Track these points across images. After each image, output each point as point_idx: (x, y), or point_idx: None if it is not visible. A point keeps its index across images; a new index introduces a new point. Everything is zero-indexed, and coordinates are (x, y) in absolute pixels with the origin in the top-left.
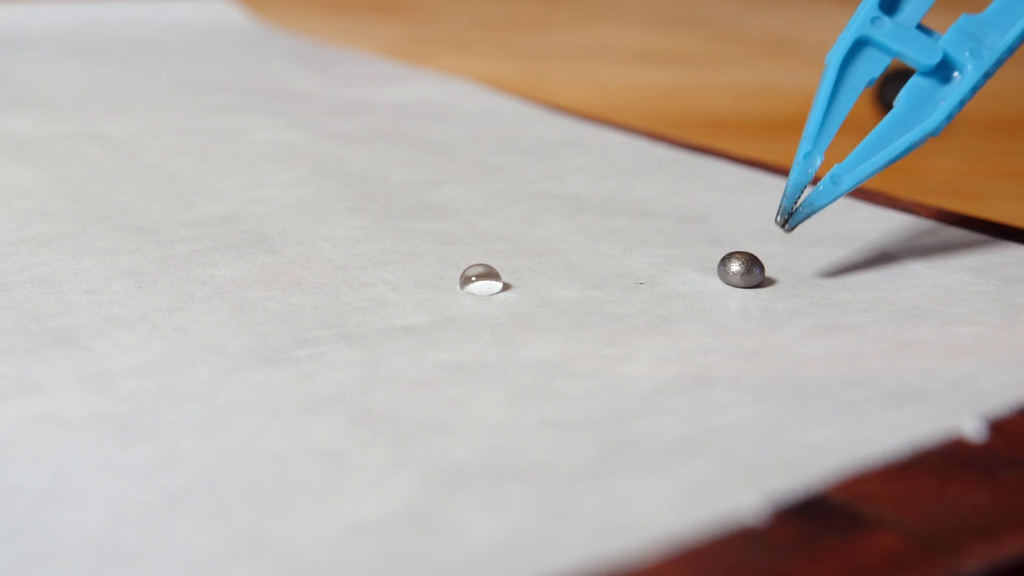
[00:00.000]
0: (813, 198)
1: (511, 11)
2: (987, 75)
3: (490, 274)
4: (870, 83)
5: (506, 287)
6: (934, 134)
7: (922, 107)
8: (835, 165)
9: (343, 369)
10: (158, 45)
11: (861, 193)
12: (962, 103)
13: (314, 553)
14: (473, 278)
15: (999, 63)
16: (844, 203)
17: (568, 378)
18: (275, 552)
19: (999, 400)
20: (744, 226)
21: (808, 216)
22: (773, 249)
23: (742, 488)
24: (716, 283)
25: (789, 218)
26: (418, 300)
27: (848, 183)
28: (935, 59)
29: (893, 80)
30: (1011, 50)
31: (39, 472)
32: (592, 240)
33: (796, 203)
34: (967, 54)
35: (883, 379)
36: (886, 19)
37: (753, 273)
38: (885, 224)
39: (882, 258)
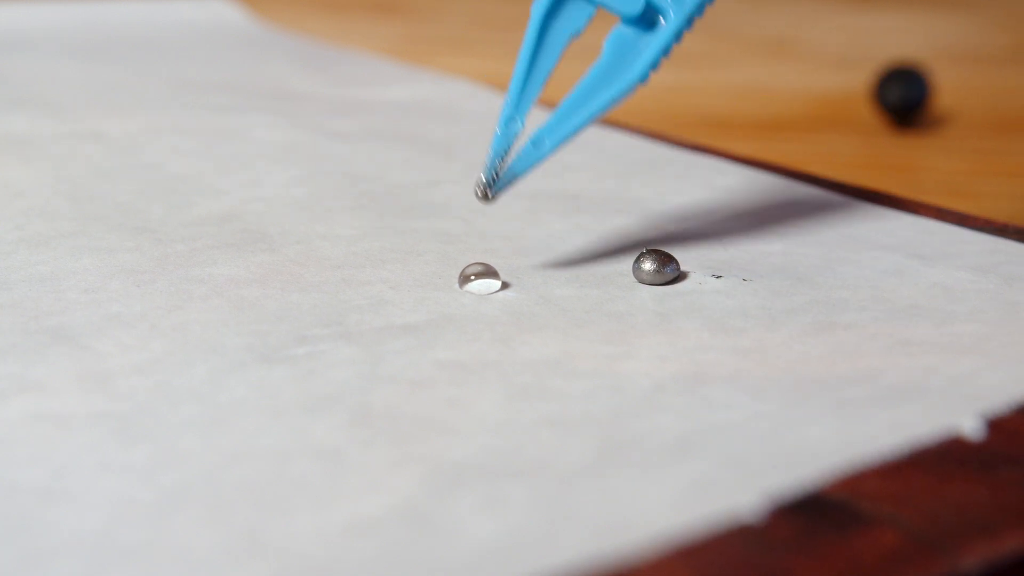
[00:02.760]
0: (515, 164)
1: (511, 11)
2: (690, 18)
3: (489, 273)
4: (575, 36)
5: (505, 286)
6: (641, 82)
7: (626, 57)
8: (537, 128)
9: (342, 368)
10: (158, 45)
11: (860, 192)
12: (666, 49)
13: (314, 552)
14: (472, 277)
15: (702, 6)
16: (843, 201)
17: (567, 377)
18: (275, 551)
19: (998, 398)
20: (743, 225)
21: (510, 183)
22: (772, 248)
23: (741, 486)
24: (715, 282)
25: (490, 188)
26: (417, 299)
27: (550, 145)
28: (638, 8)
29: (893, 80)
30: None
31: (39, 471)
32: (591, 239)
33: (498, 171)
34: None
35: (882, 377)
36: None
37: (664, 272)
38: (884, 223)
39: (881, 256)
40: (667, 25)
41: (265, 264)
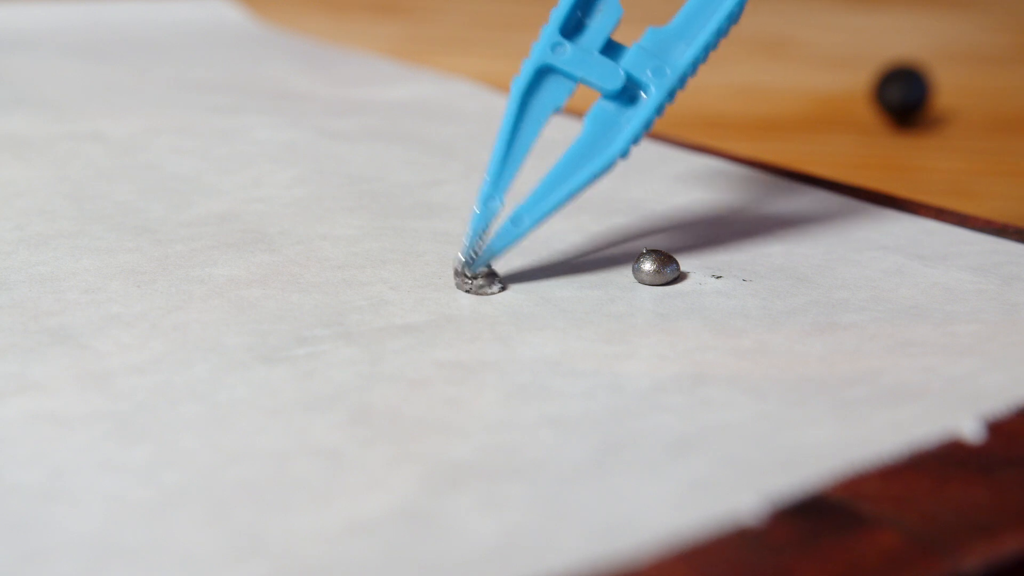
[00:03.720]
0: (494, 242)
1: (511, 11)
2: (672, 92)
3: (489, 274)
4: (556, 111)
5: (504, 287)
6: (622, 157)
7: (607, 132)
8: (517, 206)
9: (342, 368)
10: (158, 45)
11: (860, 192)
12: (647, 124)
13: (313, 551)
14: (472, 282)
15: (684, 79)
16: (843, 201)
17: (567, 376)
18: (274, 550)
19: (998, 399)
20: (743, 226)
21: (489, 261)
22: (772, 248)
23: (741, 486)
24: (715, 282)
25: (468, 266)
26: (417, 299)
27: (529, 223)
28: (618, 84)
29: (893, 80)
30: (696, 63)
31: (38, 470)
32: (591, 239)
33: (477, 250)
34: (649, 73)
35: (882, 377)
36: (568, 44)
37: (664, 272)
38: (884, 223)
39: (881, 256)
40: (648, 100)
41: (265, 264)
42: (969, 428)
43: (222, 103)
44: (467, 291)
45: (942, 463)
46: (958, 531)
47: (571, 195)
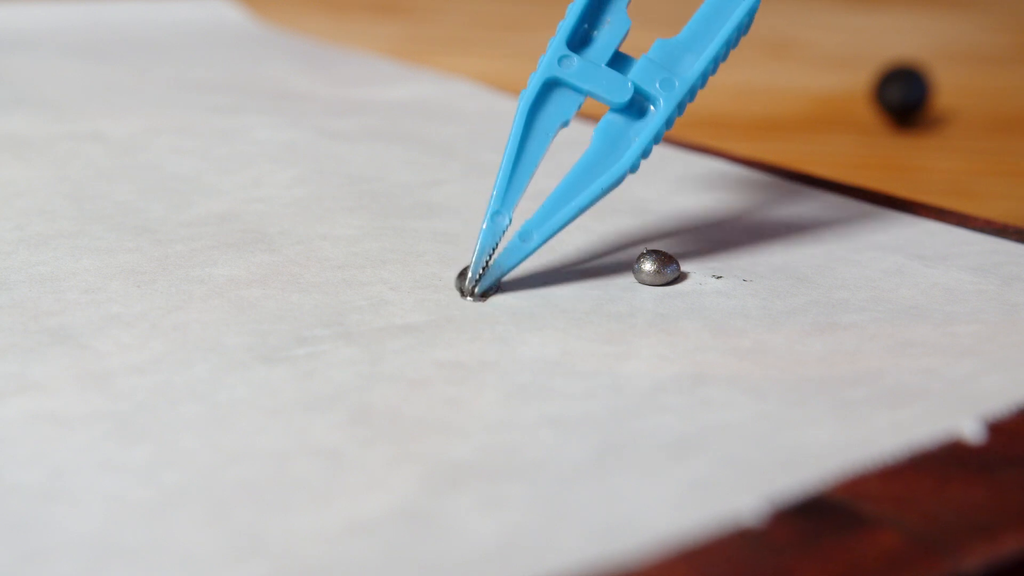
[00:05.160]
0: (502, 259)
1: (511, 11)
2: (681, 105)
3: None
4: (563, 125)
5: (501, 288)
6: (632, 172)
7: (616, 146)
8: (525, 220)
9: (342, 368)
10: (158, 45)
11: (860, 192)
12: (657, 138)
13: (313, 551)
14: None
15: (693, 91)
16: (843, 201)
17: (567, 376)
18: (274, 550)
19: (998, 400)
20: (743, 226)
21: (498, 279)
22: (772, 248)
23: (741, 487)
24: (715, 282)
25: (477, 283)
26: (417, 299)
27: (538, 239)
28: (626, 96)
29: (893, 80)
30: (705, 75)
31: (38, 470)
32: (591, 239)
33: (485, 267)
34: (657, 86)
35: (882, 378)
36: (575, 58)
37: (665, 272)
38: (884, 223)
39: (881, 257)
40: (657, 113)
41: (265, 264)
42: (969, 428)
43: (222, 103)
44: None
45: (942, 463)
46: (958, 531)
47: (580, 210)
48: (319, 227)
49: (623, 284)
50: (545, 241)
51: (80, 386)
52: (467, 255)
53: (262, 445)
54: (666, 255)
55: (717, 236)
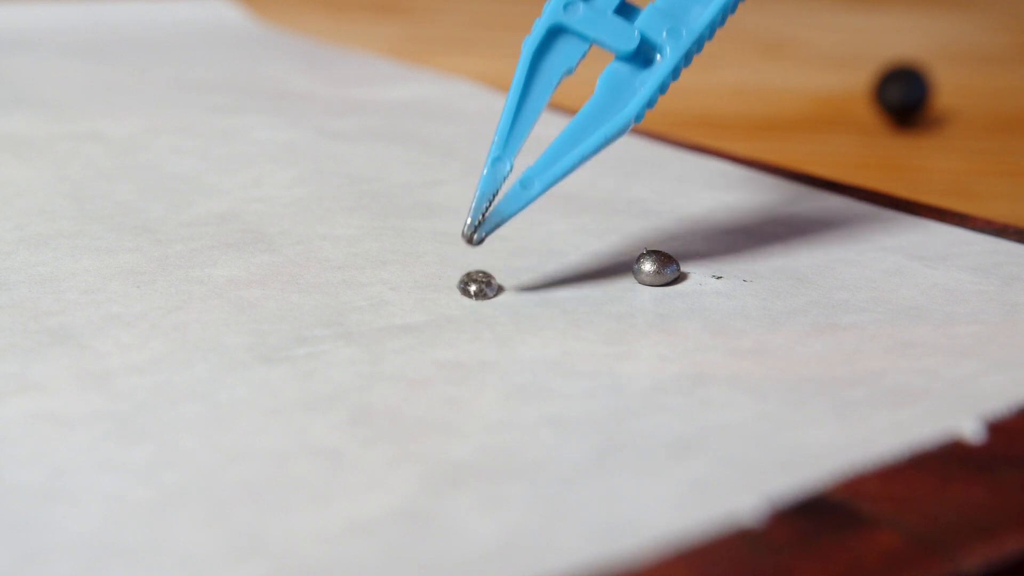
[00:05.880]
0: (502, 206)
1: (511, 11)
2: (688, 55)
3: (488, 281)
4: (568, 73)
5: (502, 289)
6: (636, 121)
7: (621, 95)
8: (526, 168)
9: (342, 368)
10: (158, 45)
11: (860, 192)
12: (663, 87)
13: (313, 551)
14: (475, 290)
15: (700, 41)
16: (843, 201)
17: (567, 377)
18: (274, 550)
19: (998, 400)
20: (743, 226)
21: (497, 226)
22: (772, 248)
23: (741, 487)
24: (715, 282)
25: (477, 229)
26: (417, 299)
27: (539, 187)
28: (632, 44)
29: (893, 80)
30: (713, 25)
31: (38, 470)
32: (591, 239)
33: (485, 213)
34: (664, 35)
35: (882, 378)
36: (581, 4)
37: (665, 273)
38: (884, 223)
39: (881, 257)
40: (663, 62)
41: (265, 264)
42: (970, 428)
43: (222, 103)
44: (468, 297)
45: (943, 463)
46: (958, 531)
47: (583, 159)
48: (319, 227)
49: (623, 284)
50: (546, 189)
51: (80, 386)
52: (467, 255)
53: (262, 445)
54: (666, 255)
55: (717, 236)
